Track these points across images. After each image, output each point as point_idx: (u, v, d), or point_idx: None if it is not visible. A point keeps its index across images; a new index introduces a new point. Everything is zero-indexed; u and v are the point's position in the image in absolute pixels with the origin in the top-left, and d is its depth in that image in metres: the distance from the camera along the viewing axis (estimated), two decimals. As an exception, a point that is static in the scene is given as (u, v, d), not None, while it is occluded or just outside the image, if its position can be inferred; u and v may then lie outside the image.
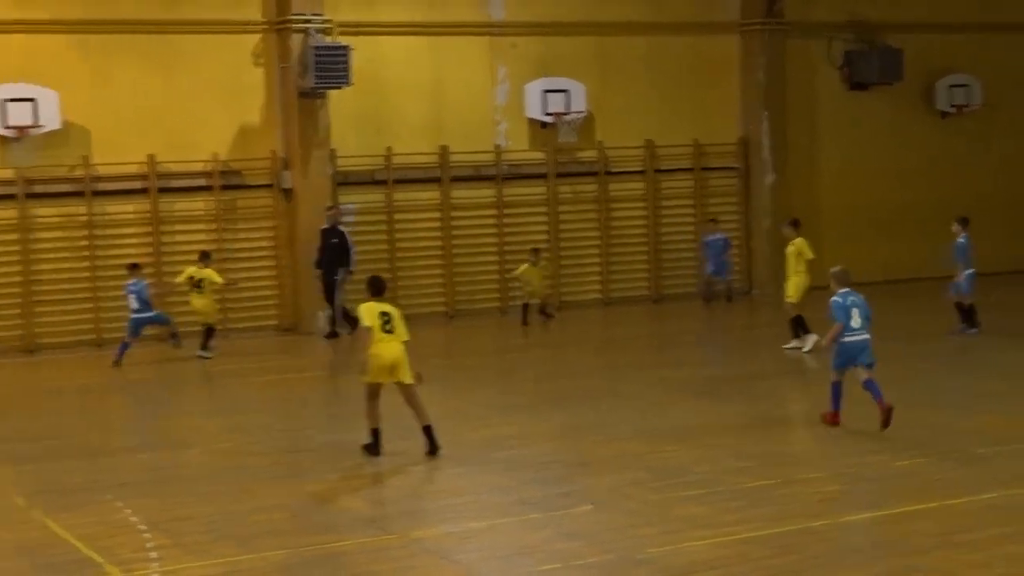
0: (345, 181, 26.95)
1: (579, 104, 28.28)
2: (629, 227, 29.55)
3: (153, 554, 11.62)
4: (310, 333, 25.87)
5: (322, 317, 25.66)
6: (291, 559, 11.44)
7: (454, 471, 14.74)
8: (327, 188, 26.45)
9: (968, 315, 23.24)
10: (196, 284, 23.60)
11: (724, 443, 15.65)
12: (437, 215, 27.90)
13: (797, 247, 22.62)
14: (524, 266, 26.81)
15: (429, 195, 27.84)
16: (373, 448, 15.42)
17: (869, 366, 16.09)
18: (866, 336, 16.29)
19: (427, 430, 15.41)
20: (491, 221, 28.29)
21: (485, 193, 28.28)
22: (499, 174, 28.28)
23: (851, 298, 16.44)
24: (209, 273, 23.74)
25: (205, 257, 23.99)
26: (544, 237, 28.69)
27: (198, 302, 23.68)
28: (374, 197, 27.39)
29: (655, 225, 29.55)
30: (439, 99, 27.87)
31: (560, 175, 28.88)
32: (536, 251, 27.17)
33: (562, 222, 28.96)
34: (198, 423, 18.47)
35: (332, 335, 25.29)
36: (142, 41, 25.48)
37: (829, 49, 31.01)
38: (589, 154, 29.13)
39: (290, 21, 25.84)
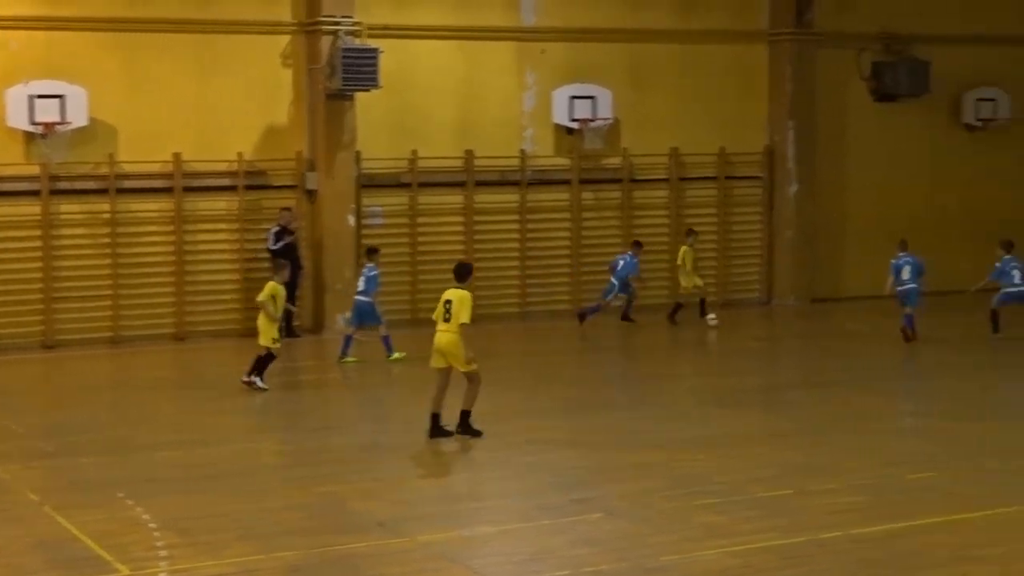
0: (370, 183, 26.95)
1: (606, 111, 28.22)
2: (652, 235, 29.44)
3: (163, 552, 11.64)
4: (325, 334, 25.82)
5: (340, 319, 25.70)
6: (302, 560, 11.45)
7: (473, 475, 14.78)
8: (352, 190, 26.44)
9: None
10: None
11: (744, 453, 15.65)
12: (461, 219, 27.89)
13: None
14: (684, 248, 27.27)
15: (453, 199, 27.81)
16: (431, 430, 16.35)
17: (911, 306, 24.15)
18: (912, 285, 24.08)
19: (462, 415, 16.42)
20: (514, 226, 28.25)
21: (509, 198, 28.23)
22: (524, 179, 28.26)
23: (904, 259, 24.34)
24: (266, 288, 20.62)
25: (276, 267, 21.40)
26: (567, 243, 28.62)
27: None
28: (398, 200, 27.37)
29: (678, 234, 29.46)
30: (466, 103, 27.85)
31: (584, 181, 28.82)
32: (692, 232, 27.71)
33: (585, 228, 28.89)
34: (222, 421, 18.46)
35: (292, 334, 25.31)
36: (172, 40, 25.50)
37: (858, 60, 30.87)
38: (614, 161, 29.07)
39: (320, 23, 25.84)
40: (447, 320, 16.26)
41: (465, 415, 16.48)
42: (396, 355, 22.67)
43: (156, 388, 21.46)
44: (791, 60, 29.90)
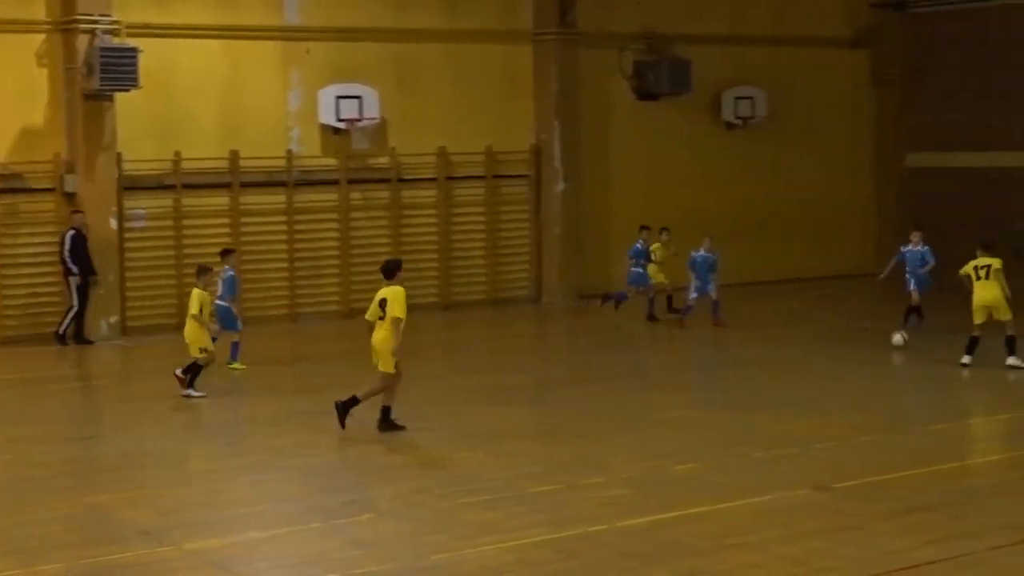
0: (132, 186, 26.37)
1: (372, 110, 28.14)
2: (421, 234, 29.50)
3: (-84, 571, 11.26)
4: (94, 340, 25.21)
5: (103, 325, 25.21)
6: (66, 573, 11.18)
7: (241, 480, 14.60)
8: (112, 192, 25.84)
9: (915, 312, 24.65)
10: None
11: (514, 450, 15.79)
12: (227, 221, 27.51)
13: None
14: (656, 245, 27.29)
15: (219, 201, 27.41)
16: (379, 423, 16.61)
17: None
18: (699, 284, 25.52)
19: (382, 410, 16.72)
20: (282, 227, 27.98)
21: (276, 199, 27.94)
22: (291, 180, 28.00)
23: (700, 256, 25.60)
24: (193, 297, 20.12)
25: (200, 272, 20.47)
26: (335, 244, 28.44)
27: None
28: (162, 202, 26.84)
29: (446, 233, 29.57)
30: (231, 103, 27.45)
31: (352, 181, 28.70)
32: (665, 229, 27.78)
33: (353, 229, 28.77)
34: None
35: (62, 340, 24.86)
36: (-81, 39, 24.68)
37: (620, 59, 31.38)
38: (382, 161, 29.01)
39: (76, 21, 25.19)
40: (381, 319, 16.47)
41: (386, 411, 16.75)
42: (237, 365, 22.08)
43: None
44: (555, 59, 30.26)
